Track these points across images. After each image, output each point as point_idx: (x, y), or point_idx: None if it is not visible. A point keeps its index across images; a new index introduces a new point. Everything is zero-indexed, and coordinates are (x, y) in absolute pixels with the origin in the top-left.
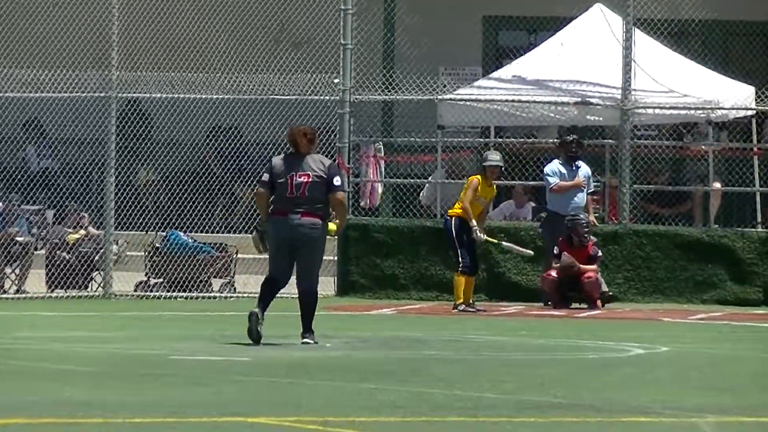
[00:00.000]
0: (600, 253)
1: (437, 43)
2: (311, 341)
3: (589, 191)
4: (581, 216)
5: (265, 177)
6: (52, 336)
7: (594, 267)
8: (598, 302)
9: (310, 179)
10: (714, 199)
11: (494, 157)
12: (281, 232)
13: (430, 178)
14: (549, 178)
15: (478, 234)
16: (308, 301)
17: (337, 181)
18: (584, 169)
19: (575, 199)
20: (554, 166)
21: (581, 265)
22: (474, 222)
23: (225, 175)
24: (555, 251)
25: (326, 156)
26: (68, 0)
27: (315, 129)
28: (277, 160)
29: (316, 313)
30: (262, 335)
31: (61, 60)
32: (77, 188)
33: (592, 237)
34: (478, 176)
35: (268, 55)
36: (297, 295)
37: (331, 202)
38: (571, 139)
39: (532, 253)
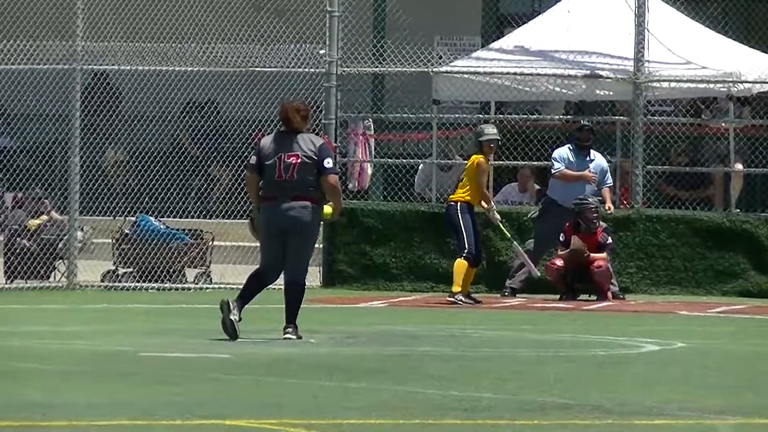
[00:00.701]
0: (610, 241)
1: (433, 11)
2: (294, 336)
3: (605, 186)
4: (590, 199)
5: (253, 160)
6: (10, 331)
7: (604, 255)
8: (609, 294)
9: (299, 160)
10: (735, 181)
11: (492, 131)
12: (271, 219)
13: (421, 166)
14: (555, 162)
15: (495, 214)
16: (294, 292)
17: (327, 162)
18: (599, 162)
19: (577, 193)
20: (563, 151)
21: (592, 253)
22: (491, 204)
23: (201, 155)
24: (561, 238)
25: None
26: None
27: (309, 105)
28: (266, 140)
29: (301, 306)
30: (238, 330)
31: (21, 29)
32: (38, 169)
33: (602, 223)
34: (480, 155)
35: (247, 24)
36: (281, 286)
37: (323, 186)
38: (583, 126)
39: (539, 274)
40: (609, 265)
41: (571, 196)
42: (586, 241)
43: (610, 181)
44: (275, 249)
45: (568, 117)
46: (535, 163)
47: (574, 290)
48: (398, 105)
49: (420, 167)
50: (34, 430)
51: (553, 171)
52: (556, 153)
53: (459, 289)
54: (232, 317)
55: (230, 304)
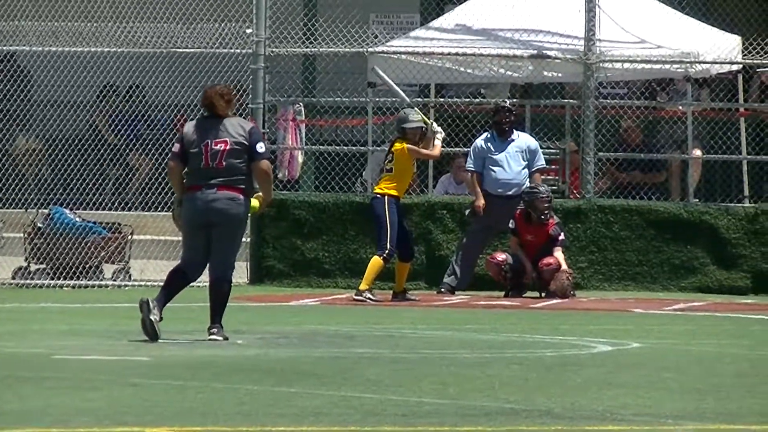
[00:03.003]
0: (563, 236)
1: None
2: (220, 337)
3: (534, 167)
4: (541, 188)
5: (176, 147)
6: None
7: (555, 256)
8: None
9: (228, 146)
10: (693, 168)
11: (417, 117)
12: (195, 211)
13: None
14: (468, 159)
15: (435, 127)
16: (220, 290)
17: (260, 147)
18: (521, 143)
19: (502, 178)
20: (480, 142)
21: (542, 249)
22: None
23: (118, 142)
24: (511, 225)
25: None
26: None
27: (232, 88)
28: (189, 127)
29: (227, 304)
30: (159, 331)
31: None
32: None
33: (554, 216)
34: (404, 143)
35: (169, 1)
36: (205, 283)
37: (254, 172)
38: (499, 107)
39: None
40: (564, 266)
41: (498, 183)
42: (536, 232)
43: (541, 162)
44: (199, 243)
45: (514, 100)
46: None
47: (521, 286)
48: (331, 88)
49: (370, 160)
50: None
51: (466, 167)
52: (472, 146)
53: (366, 286)
54: (152, 317)
55: (150, 303)
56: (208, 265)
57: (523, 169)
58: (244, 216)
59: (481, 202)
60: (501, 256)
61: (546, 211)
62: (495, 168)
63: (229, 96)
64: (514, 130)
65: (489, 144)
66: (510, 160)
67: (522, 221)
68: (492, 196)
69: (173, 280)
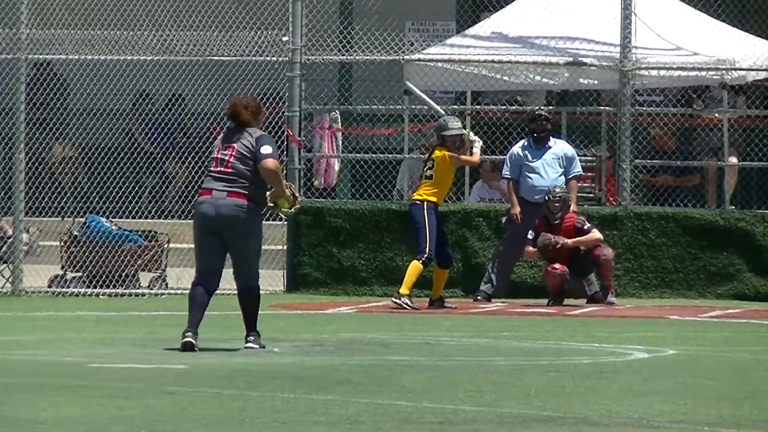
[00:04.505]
0: (588, 225)
1: None
2: (256, 345)
3: (571, 175)
4: (558, 190)
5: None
6: None
7: (597, 237)
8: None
9: (234, 151)
10: (729, 175)
11: (456, 124)
12: (205, 215)
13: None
14: (504, 167)
15: (472, 136)
16: (250, 298)
17: (264, 149)
18: (557, 150)
19: (538, 185)
20: (517, 149)
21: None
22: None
23: (155, 150)
24: (530, 236)
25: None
26: None
27: (258, 100)
28: (219, 138)
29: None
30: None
31: None
32: None
33: (582, 218)
34: (444, 150)
35: (204, 9)
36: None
37: (261, 173)
38: (536, 115)
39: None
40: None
41: (534, 190)
42: (557, 232)
43: (577, 169)
44: (211, 249)
45: (550, 107)
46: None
47: (562, 295)
48: (367, 96)
49: (403, 163)
50: None
51: (502, 175)
52: (509, 153)
53: (407, 291)
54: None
55: (193, 341)
56: (233, 273)
57: (560, 176)
58: (253, 222)
59: (517, 209)
60: (558, 266)
61: (557, 212)
62: (531, 175)
63: (253, 108)
64: (551, 138)
65: (525, 151)
66: (546, 168)
67: (543, 226)
68: (529, 203)
69: (195, 297)
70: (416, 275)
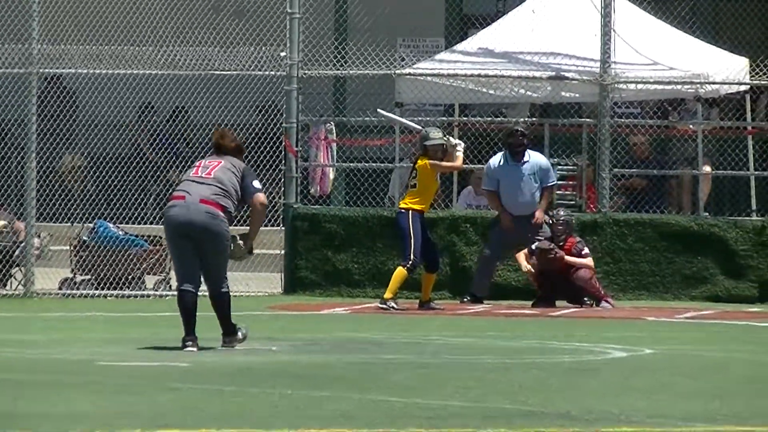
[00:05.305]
0: (586, 250)
1: (395, 12)
2: (233, 345)
3: (545, 185)
4: (562, 212)
5: None
6: None
7: (584, 261)
8: (607, 298)
9: (220, 165)
10: (704, 184)
11: (437, 135)
12: (177, 221)
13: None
14: (485, 177)
15: (453, 141)
16: (220, 301)
17: (257, 183)
18: (533, 163)
19: (519, 198)
20: (495, 161)
21: (567, 256)
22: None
23: (159, 159)
24: (534, 247)
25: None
26: None
27: (238, 137)
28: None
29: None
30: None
31: None
32: None
33: (576, 236)
34: (426, 159)
35: (206, 26)
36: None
37: (252, 205)
38: (513, 130)
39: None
40: (592, 274)
41: (512, 207)
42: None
43: (551, 179)
44: (186, 252)
45: (533, 120)
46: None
47: (552, 298)
48: (360, 108)
49: (394, 172)
50: None
51: (482, 188)
52: (487, 165)
53: (391, 295)
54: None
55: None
56: (203, 276)
57: (536, 191)
58: (223, 231)
59: (508, 219)
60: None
61: (561, 234)
62: (509, 191)
63: (232, 140)
64: (526, 152)
65: (502, 166)
66: (523, 185)
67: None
68: (510, 214)
69: (185, 303)
70: (401, 281)
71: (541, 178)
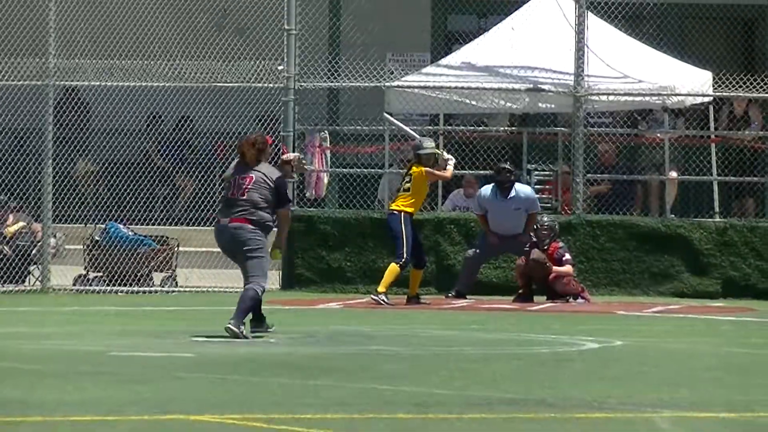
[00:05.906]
0: (567, 256)
1: (384, 29)
2: (234, 329)
3: (531, 212)
4: (546, 218)
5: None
6: None
7: (564, 269)
8: (585, 293)
9: (253, 181)
10: (670, 188)
11: (430, 144)
12: (221, 243)
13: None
14: (477, 203)
15: (446, 155)
16: (246, 293)
17: (288, 194)
18: (519, 196)
19: (506, 225)
20: (487, 191)
21: (554, 266)
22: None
23: (166, 165)
24: (531, 259)
25: (272, 146)
26: None
27: (266, 137)
28: (230, 168)
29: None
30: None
31: None
32: (12, 180)
33: (560, 243)
34: (420, 167)
35: (210, 42)
36: (241, 290)
37: (280, 216)
38: (500, 168)
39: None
40: (571, 278)
41: (498, 228)
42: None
43: (536, 208)
44: (237, 262)
45: (513, 129)
46: (482, 172)
47: (531, 294)
48: (352, 118)
49: (384, 177)
50: (11, 426)
51: (473, 211)
52: (479, 193)
53: (384, 289)
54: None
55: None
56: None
57: (522, 218)
58: (255, 236)
59: (495, 237)
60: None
61: (545, 239)
62: (497, 221)
63: (261, 145)
64: (513, 188)
65: (491, 199)
66: (509, 217)
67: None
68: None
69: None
70: (393, 276)
71: (527, 208)
